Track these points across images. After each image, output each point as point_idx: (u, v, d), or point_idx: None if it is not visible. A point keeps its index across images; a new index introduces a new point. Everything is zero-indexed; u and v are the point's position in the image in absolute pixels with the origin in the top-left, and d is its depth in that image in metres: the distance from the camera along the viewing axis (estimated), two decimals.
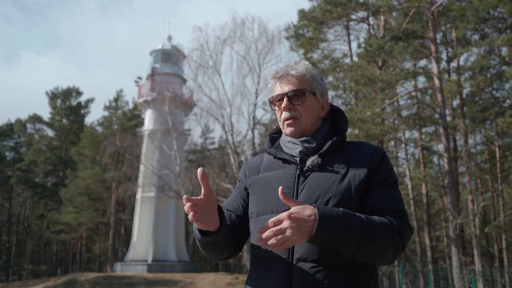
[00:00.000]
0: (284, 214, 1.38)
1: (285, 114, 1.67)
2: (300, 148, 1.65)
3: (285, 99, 1.66)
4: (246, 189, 1.76)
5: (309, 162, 1.61)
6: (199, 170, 1.49)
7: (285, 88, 1.68)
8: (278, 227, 1.37)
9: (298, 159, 1.65)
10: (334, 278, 1.49)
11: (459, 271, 15.01)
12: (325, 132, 1.69)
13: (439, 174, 26.19)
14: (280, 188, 1.41)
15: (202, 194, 1.51)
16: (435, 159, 30.48)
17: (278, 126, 1.81)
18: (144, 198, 25.94)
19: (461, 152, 23.12)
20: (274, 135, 1.82)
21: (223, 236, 1.59)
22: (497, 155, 23.45)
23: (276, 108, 1.71)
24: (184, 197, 1.46)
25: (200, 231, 1.56)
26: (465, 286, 14.90)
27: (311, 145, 1.65)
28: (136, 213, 26.25)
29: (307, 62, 1.73)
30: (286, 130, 1.68)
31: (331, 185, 1.56)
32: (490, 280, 16.64)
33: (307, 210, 1.39)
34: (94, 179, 31.28)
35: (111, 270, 28.65)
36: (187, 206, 1.45)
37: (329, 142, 1.63)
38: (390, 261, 1.55)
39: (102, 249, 39.49)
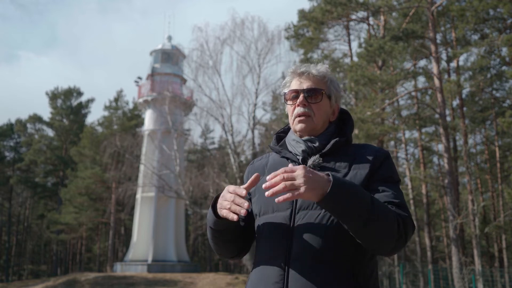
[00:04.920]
0: (299, 166, 1.38)
1: (298, 110, 1.67)
2: (303, 147, 1.66)
3: (301, 95, 1.67)
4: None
5: (310, 161, 1.62)
6: (256, 175, 1.50)
7: (303, 84, 1.68)
8: (290, 174, 1.36)
9: (300, 158, 1.66)
10: (332, 276, 1.47)
11: (459, 271, 15.01)
12: (330, 133, 1.70)
13: (439, 174, 26.18)
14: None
15: (246, 187, 1.51)
16: (435, 159, 30.53)
17: (285, 126, 1.82)
18: (144, 198, 25.93)
19: (461, 152, 23.11)
20: (281, 134, 1.82)
21: (233, 226, 1.60)
22: (497, 155, 23.46)
23: (290, 103, 1.71)
24: (244, 193, 1.47)
25: (215, 214, 1.57)
26: (465, 286, 14.89)
27: (314, 145, 1.66)
28: (136, 213, 26.24)
29: (327, 66, 1.73)
30: (297, 126, 1.68)
31: None
32: (490, 280, 16.62)
33: (322, 173, 1.41)
34: (94, 179, 31.28)
35: (111, 270, 28.64)
36: (242, 204, 1.46)
37: (331, 142, 1.63)
38: (392, 249, 1.49)
39: (102, 249, 39.48)
